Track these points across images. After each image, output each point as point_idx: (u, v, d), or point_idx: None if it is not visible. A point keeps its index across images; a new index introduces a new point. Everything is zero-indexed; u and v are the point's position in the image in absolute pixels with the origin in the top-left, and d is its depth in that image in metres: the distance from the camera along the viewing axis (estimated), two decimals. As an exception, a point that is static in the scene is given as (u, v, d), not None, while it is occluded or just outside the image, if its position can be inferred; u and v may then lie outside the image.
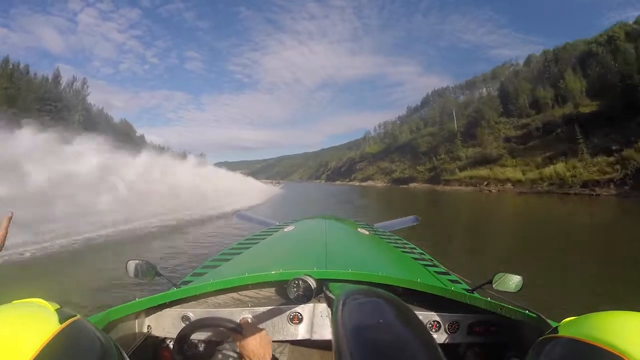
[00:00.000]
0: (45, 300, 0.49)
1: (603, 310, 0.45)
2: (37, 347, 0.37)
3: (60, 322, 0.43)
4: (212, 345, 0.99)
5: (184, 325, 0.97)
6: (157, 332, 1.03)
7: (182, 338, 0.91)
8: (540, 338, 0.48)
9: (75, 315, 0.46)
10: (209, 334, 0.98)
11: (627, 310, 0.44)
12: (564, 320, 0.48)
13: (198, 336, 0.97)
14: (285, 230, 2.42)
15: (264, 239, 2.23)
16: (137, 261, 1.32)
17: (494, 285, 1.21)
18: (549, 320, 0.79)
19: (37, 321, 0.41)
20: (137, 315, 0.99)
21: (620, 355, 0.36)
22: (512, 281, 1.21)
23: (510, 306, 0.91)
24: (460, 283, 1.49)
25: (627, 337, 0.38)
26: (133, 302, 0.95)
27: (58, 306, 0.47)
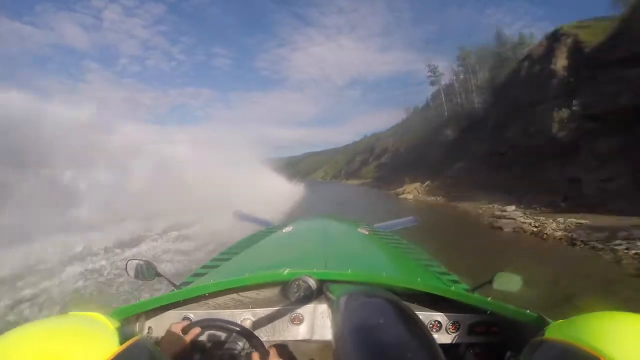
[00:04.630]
0: (102, 313, 0.48)
1: (594, 312, 0.49)
2: None
3: (121, 342, 0.43)
4: (217, 346, 0.98)
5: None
6: (157, 333, 1.01)
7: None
8: (531, 340, 0.51)
9: (135, 335, 0.46)
10: (216, 335, 1.00)
11: (615, 310, 0.48)
12: (553, 323, 0.51)
13: (203, 337, 0.99)
14: (285, 230, 2.48)
15: (263, 239, 2.27)
16: (137, 261, 1.30)
17: (494, 285, 1.23)
18: (549, 320, 0.79)
19: (97, 340, 0.41)
20: (137, 317, 0.99)
21: (598, 356, 0.39)
22: (512, 281, 1.22)
23: (509, 306, 0.92)
24: (460, 283, 1.53)
25: (607, 339, 0.41)
26: (134, 303, 0.96)
27: (118, 323, 0.47)
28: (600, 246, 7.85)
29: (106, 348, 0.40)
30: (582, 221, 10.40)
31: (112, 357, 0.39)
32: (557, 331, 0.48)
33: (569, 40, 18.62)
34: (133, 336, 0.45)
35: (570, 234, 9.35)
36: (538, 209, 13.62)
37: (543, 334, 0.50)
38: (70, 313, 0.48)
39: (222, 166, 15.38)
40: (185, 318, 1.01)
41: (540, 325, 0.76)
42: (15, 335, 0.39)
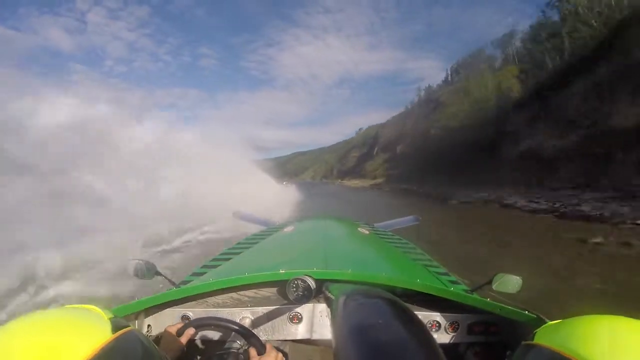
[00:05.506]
0: (100, 307, 0.49)
1: (586, 314, 0.48)
2: (86, 355, 0.37)
3: (112, 331, 0.42)
4: (217, 345, 0.98)
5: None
6: (156, 332, 1.02)
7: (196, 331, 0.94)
8: (522, 343, 0.50)
9: (128, 326, 0.46)
10: (215, 333, 1.01)
11: (611, 313, 0.47)
12: (542, 326, 0.51)
13: (202, 336, 1.00)
14: (285, 230, 2.40)
15: (263, 239, 2.21)
16: (137, 260, 1.32)
17: (493, 286, 1.22)
18: (547, 320, 0.79)
19: (88, 329, 0.41)
20: (137, 315, 1.00)
21: None
22: (512, 282, 1.21)
23: (508, 306, 0.92)
24: (460, 284, 1.48)
25: (595, 346, 0.40)
26: (133, 302, 0.95)
27: (112, 315, 0.47)
28: None
29: (98, 337, 0.40)
30: None
31: (103, 345, 0.39)
32: (546, 335, 0.47)
33: None
34: (127, 327, 0.45)
35: None
36: None
37: (532, 338, 0.49)
38: (66, 306, 0.47)
39: (208, 168, 14.27)
40: (184, 317, 1.01)
41: (538, 325, 0.74)
42: (6, 329, 0.39)
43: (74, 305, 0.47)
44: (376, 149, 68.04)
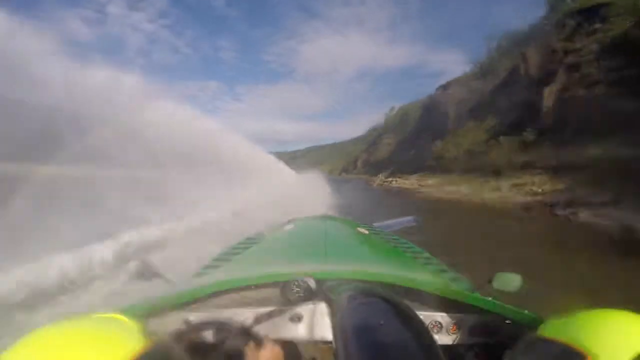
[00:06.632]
0: (127, 315, 0.49)
1: (586, 309, 0.49)
2: None
3: (145, 342, 0.43)
4: (215, 345, 1.01)
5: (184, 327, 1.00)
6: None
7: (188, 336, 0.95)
8: (525, 337, 0.51)
9: (159, 337, 0.46)
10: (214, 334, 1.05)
11: (609, 307, 0.48)
12: (546, 321, 0.52)
13: (201, 338, 1.04)
14: (285, 229, 2.47)
15: (264, 238, 2.24)
16: (137, 262, 1.32)
17: (494, 285, 1.23)
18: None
19: (119, 342, 0.41)
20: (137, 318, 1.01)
21: (584, 353, 0.41)
22: (512, 281, 1.22)
23: (510, 306, 0.94)
24: (461, 282, 1.50)
25: (596, 337, 0.42)
26: (133, 305, 0.97)
27: (140, 325, 0.47)
28: None
29: (126, 352, 0.40)
30: None
31: (136, 358, 0.39)
32: (550, 329, 0.49)
33: None
34: (157, 336, 0.45)
35: None
36: None
37: (536, 332, 0.50)
38: (95, 315, 0.48)
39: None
40: (186, 320, 1.02)
41: (538, 325, 0.75)
42: (42, 335, 0.39)
43: (100, 314, 0.48)
44: (456, 117, 36.23)
